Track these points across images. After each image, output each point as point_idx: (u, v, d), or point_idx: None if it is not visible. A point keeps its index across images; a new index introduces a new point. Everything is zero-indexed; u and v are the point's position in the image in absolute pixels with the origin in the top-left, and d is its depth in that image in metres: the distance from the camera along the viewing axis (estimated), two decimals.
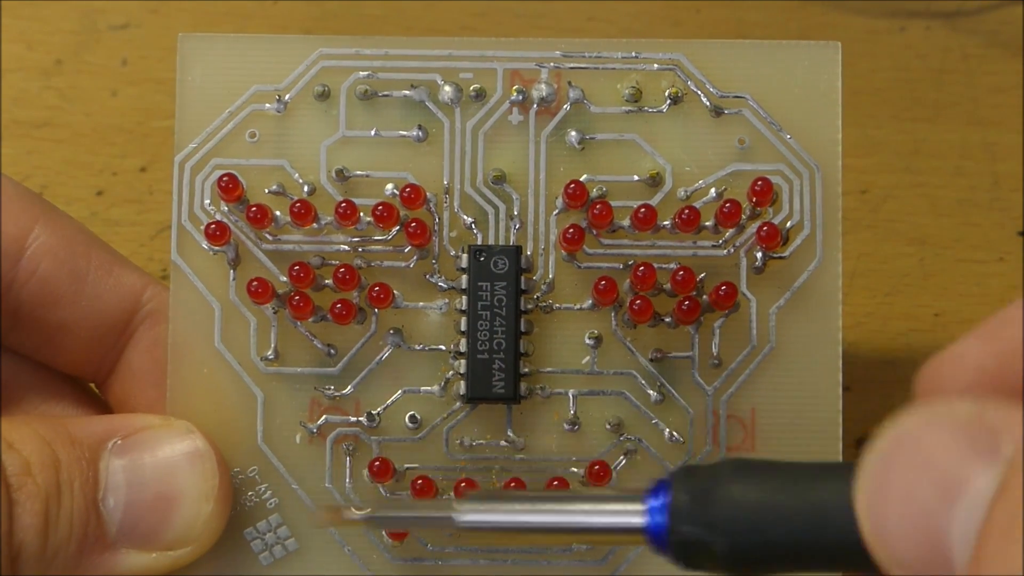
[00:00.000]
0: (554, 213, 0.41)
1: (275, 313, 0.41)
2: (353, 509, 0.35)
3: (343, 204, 0.40)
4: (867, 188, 0.48)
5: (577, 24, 0.50)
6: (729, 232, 0.41)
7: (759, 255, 0.40)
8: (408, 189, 0.40)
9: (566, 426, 0.41)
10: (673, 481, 0.31)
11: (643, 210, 0.40)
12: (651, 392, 0.41)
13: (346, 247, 0.41)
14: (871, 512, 0.27)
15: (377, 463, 0.40)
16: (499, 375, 0.40)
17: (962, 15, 0.50)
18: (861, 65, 0.49)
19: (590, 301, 0.41)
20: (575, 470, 0.41)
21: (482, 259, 0.40)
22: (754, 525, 0.30)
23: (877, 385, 0.46)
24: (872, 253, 0.48)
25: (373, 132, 0.41)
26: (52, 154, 0.49)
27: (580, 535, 0.33)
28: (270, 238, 0.41)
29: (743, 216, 0.40)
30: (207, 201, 0.41)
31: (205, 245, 0.41)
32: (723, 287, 0.40)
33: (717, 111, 0.41)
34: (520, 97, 0.41)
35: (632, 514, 0.32)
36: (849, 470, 0.29)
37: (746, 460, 0.31)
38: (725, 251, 0.41)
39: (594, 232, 0.41)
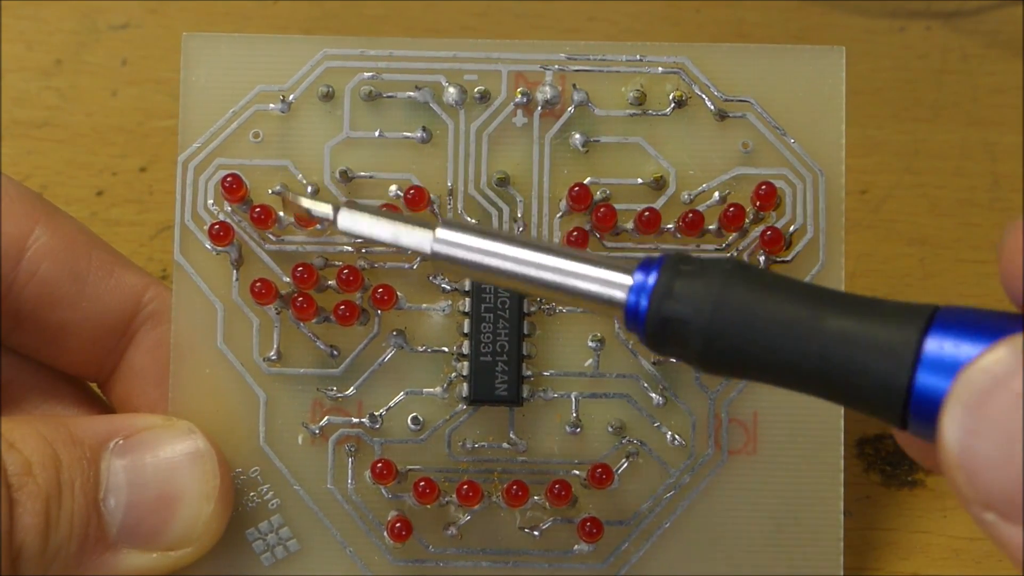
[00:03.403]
0: (558, 216, 0.41)
1: (278, 314, 0.41)
2: (318, 202, 0.34)
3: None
4: (867, 188, 0.48)
5: (577, 24, 0.50)
6: (732, 236, 0.41)
7: (762, 259, 0.40)
8: (412, 191, 0.40)
9: (568, 429, 0.41)
10: (666, 260, 0.31)
11: (647, 213, 0.40)
12: (653, 395, 0.41)
13: (349, 248, 0.41)
14: (963, 436, 0.27)
15: (379, 464, 0.40)
16: (502, 377, 0.40)
17: (962, 15, 0.50)
18: (861, 65, 0.49)
19: None
20: (577, 472, 0.41)
21: None
22: (742, 324, 0.30)
23: None
24: (872, 253, 0.48)
25: (377, 133, 0.41)
26: (52, 154, 0.48)
27: (556, 292, 0.32)
28: (273, 239, 0.41)
29: (746, 220, 0.40)
30: (210, 201, 0.41)
31: (208, 245, 0.41)
32: None
33: (721, 115, 0.41)
34: (524, 99, 0.41)
35: (616, 287, 0.31)
36: (859, 305, 0.29)
37: (747, 264, 0.31)
38: (728, 255, 0.41)
39: (598, 235, 0.41)
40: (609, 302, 0.31)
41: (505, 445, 0.41)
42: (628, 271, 0.31)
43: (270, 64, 0.41)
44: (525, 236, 0.34)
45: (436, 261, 0.32)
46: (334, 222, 0.34)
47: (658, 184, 0.41)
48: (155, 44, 0.49)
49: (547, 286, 0.32)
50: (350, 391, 0.41)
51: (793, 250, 0.41)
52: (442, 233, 0.32)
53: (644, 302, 0.30)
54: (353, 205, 0.34)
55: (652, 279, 0.31)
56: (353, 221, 0.34)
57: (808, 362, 0.29)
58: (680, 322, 0.30)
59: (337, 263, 0.41)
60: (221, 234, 0.40)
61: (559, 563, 0.41)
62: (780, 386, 0.30)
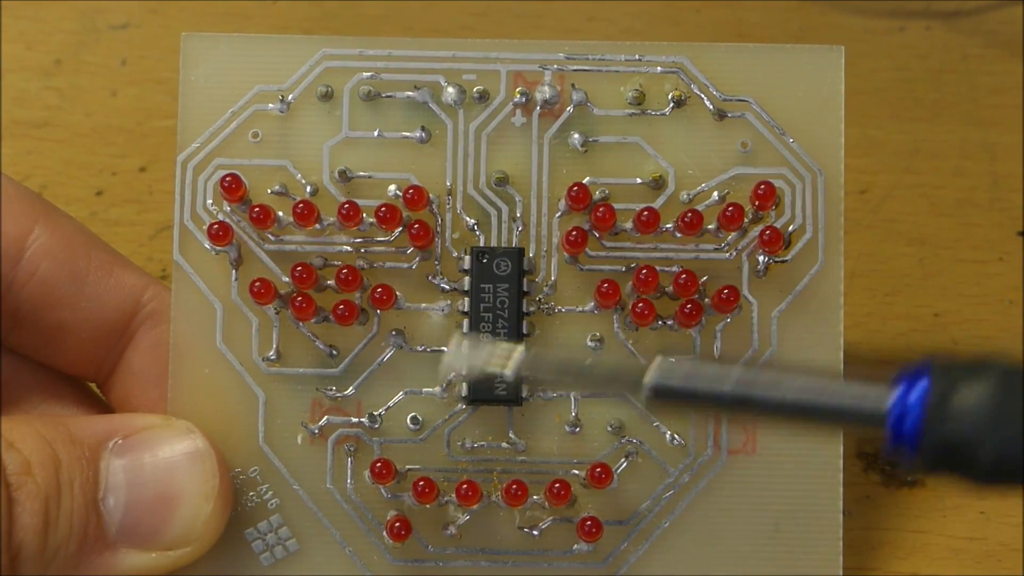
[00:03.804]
0: (557, 215, 0.41)
1: (277, 314, 0.41)
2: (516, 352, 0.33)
3: (346, 205, 0.40)
4: (867, 188, 0.48)
5: (577, 24, 0.50)
6: (731, 235, 0.41)
7: (761, 259, 0.40)
8: (411, 190, 0.40)
9: (567, 428, 0.41)
10: (934, 372, 0.28)
11: (646, 213, 0.40)
12: None
13: (348, 248, 0.41)
14: None
15: (378, 464, 0.40)
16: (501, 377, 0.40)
17: (962, 15, 0.50)
18: (861, 65, 0.49)
19: (592, 303, 0.41)
20: (576, 472, 0.41)
21: (484, 261, 0.40)
22: None
23: None
24: (872, 253, 0.48)
25: (376, 133, 0.41)
26: (52, 154, 0.49)
27: (798, 419, 0.30)
28: (272, 238, 0.41)
29: (745, 220, 0.40)
30: (209, 201, 0.41)
31: (207, 245, 0.41)
32: (725, 290, 0.40)
33: (720, 114, 0.41)
34: (523, 99, 0.41)
35: (875, 401, 0.29)
36: None
37: (1014, 368, 0.29)
38: (727, 254, 0.41)
39: (597, 235, 0.41)
40: (868, 420, 0.29)
41: (504, 445, 0.41)
42: (884, 385, 0.29)
43: (269, 64, 0.41)
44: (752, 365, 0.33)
45: (657, 398, 0.31)
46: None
47: (657, 184, 0.41)
48: (155, 44, 0.49)
49: (800, 409, 0.30)
50: (349, 391, 0.41)
51: (792, 250, 0.41)
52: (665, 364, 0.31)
53: (914, 420, 0.29)
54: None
55: (920, 392, 0.29)
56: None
57: None
58: (965, 442, 0.28)
59: (336, 263, 0.41)
60: (220, 234, 0.40)
61: (558, 563, 0.41)
62: None
